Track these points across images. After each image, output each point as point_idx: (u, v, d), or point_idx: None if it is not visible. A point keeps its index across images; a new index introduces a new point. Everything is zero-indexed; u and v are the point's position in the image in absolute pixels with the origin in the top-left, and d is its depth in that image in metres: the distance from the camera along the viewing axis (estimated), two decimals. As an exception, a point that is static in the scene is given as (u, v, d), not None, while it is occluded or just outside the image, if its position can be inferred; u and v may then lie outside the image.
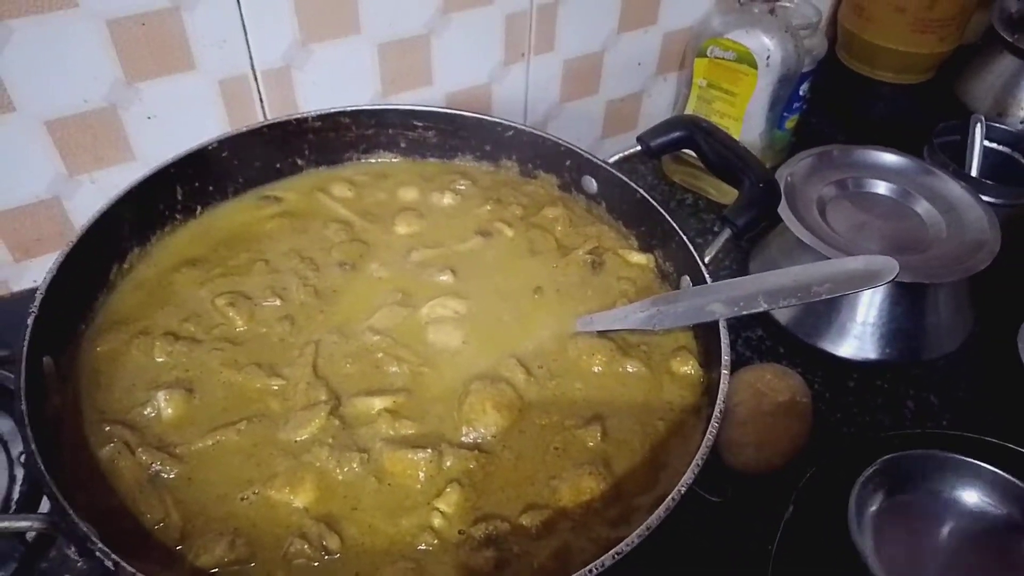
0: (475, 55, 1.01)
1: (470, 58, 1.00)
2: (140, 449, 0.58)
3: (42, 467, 0.49)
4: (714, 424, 0.54)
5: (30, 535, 0.67)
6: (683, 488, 0.51)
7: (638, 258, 0.76)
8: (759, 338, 0.93)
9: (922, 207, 0.95)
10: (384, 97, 0.98)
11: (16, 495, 0.71)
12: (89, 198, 0.87)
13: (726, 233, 0.65)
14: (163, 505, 0.56)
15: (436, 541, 0.55)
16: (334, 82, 0.93)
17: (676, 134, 0.73)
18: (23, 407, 0.52)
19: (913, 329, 0.90)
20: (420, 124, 0.81)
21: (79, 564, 0.68)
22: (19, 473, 0.73)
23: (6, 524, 0.51)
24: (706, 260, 0.65)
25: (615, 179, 0.75)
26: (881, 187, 0.98)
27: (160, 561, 0.53)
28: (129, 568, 0.46)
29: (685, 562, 0.70)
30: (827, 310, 0.90)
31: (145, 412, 0.61)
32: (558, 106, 1.12)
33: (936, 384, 0.89)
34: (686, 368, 0.66)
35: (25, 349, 0.55)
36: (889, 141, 1.03)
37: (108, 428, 0.59)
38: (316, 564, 0.53)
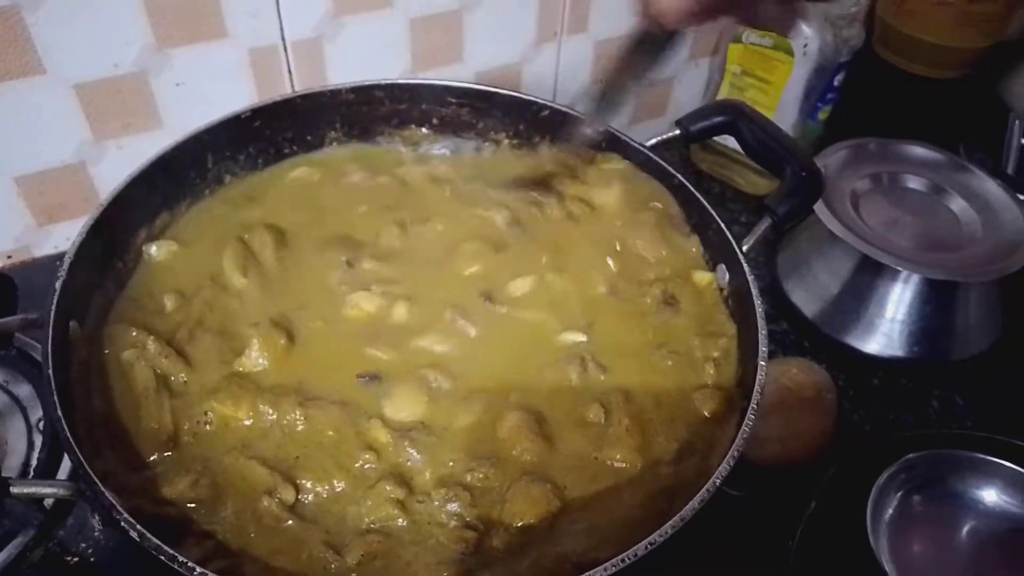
0: (507, 33, 0.99)
1: (502, 36, 0.99)
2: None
3: (68, 436, 0.48)
4: (749, 417, 0.53)
5: (48, 502, 0.67)
6: (718, 480, 0.50)
7: (704, 278, 0.72)
8: (783, 332, 0.92)
9: (957, 205, 0.93)
10: (413, 73, 0.97)
11: (35, 461, 0.71)
12: (115, 164, 0.87)
13: (766, 222, 0.64)
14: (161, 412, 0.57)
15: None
16: (364, 56, 0.92)
17: (717, 119, 0.71)
18: (50, 373, 0.51)
19: (942, 328, 0.88)
20: (454, 101, 0.80)
21: (96, 532, 0.68)
22: (37, 439, 0.72)
23: (32, 490, 0.50)
24: (744, 249, 0.64)
25: (652, 163, 0.74)
26: (916, 183, 0.96)
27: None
28: (154, 539, 0.45)
29: (705, 555, 0.69)
30: (855, 306, 0.89)
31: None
32: (588, 88, 1.11)
33: (962, 385, 0.88)
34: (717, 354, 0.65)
35: (52, 313, 0.55)
36: (923, 136, 1.01)
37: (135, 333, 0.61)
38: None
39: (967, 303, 0.89)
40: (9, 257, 0.90)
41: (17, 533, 0.66)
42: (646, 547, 0.47)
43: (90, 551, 0.67)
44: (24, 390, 0.76)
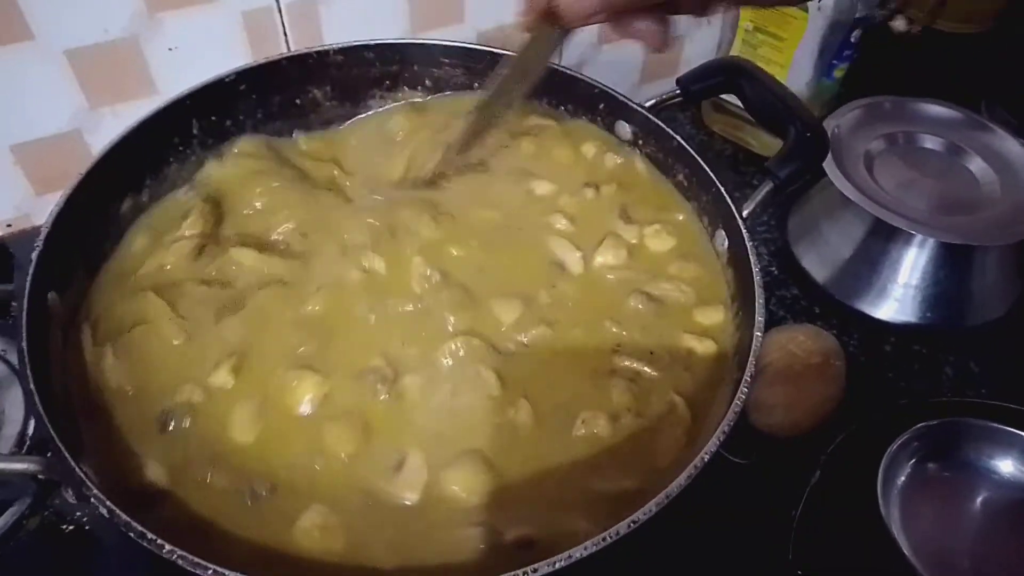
0: (509, -9, 0.97)
1: (504, -5, 0.96)
2: None
3: (40, 408, 0.48)
4: (743, 390, 0.51)
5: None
6: (707, 456, 0.48)
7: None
8: (793, 297, 0.90)
9: (976, 165, 0.90)
10: (413, 34, 0.94)
11: (31, 430, 0.71)
12: (111, 132, 0.83)
13: (767, 185, 0.61)
14: None
15: None
16: (362, 18, 0.90)
17: (718, 78, 0.68)
18: (23, 345, 0.50)
19: (957, 293, 0.86)
20: (447, 61, 0.77)
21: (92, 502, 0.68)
22: (35, 409, 0.73)
23: (2, 466, 0.50)
24: (744, 214, 0.62)
25: (651, 125, 0.71)
26: (933, 143, 0.93)
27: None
28: (124, 516, 0.45)
29: (707, 523, 0.68)
30: (867, 271, 0.87)
31: None
32: (595, 48, 1.07)
33: (977, 351, 0.86)
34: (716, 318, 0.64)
35: (28, 285, 0.54)
36: (944, 94, 0.97)
37: None
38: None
39: (983, 267, 0.86)
40: (9, 226, 0.90)
41: (12, 502, 0.67)
42: (628, 525, 0.45)
43: (85, 520, 0.68)
44: (22, 361, 0.76)
